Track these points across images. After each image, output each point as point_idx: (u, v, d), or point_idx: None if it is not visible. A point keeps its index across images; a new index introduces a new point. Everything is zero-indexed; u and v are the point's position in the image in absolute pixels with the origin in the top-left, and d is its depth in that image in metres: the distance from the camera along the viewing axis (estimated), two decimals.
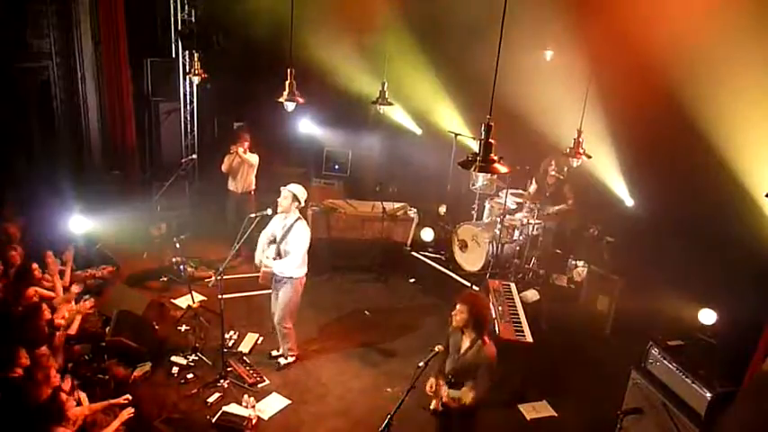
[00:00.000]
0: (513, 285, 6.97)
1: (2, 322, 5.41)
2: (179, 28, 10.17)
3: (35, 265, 6.46)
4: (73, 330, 5.85)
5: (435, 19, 9.55)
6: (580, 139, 6.61)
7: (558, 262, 8.97)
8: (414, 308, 7.94)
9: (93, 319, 6.33)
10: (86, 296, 6.63)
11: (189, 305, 7.05)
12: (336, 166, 11.35)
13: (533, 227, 8.70)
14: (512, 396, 6.03)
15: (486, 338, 4.41)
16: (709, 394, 4.54)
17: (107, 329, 6.16)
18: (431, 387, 4.56)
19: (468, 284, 8.36)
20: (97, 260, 7.82)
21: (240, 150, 8.38)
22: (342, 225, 8.93)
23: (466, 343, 4.44)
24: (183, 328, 6.91)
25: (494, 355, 4.36)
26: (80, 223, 7.65)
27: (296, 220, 5.91)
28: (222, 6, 9.83)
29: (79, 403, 4.94)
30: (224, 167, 8.53)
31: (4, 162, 8.30)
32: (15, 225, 7.10)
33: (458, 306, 4.44)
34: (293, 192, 5.89)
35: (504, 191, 8.71)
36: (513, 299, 6.66)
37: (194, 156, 9.88)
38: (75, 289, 6.63)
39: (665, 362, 4.96)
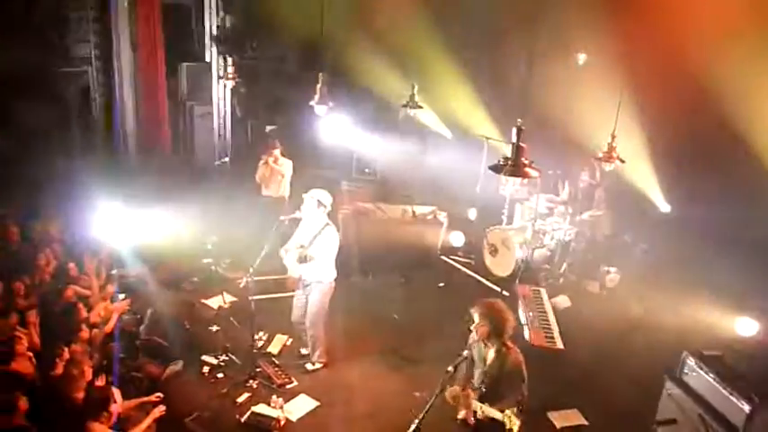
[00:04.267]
0: (543, 291, 6.89)
1: (44, 321, 5.55)
2: (214, 33, 10.34)
3: (72, 265, 6.61)
4: (109, 329, 5.97)
5: (466, 22, 9.51)
6: (614, 143, 6.50)
7: (591, 268, 8.83)
8: (443, 312, 7.88)
9: (127, 318, 6.45)
10: (121, 296, 6.76)
11: (220, 306, 7.14)
12: (366, 170, 11.37)
13: (565, 232, 8.58)
14: (541, 403, 5.94)
15: (509, 344, 4.35)
16: (747, 407, 4.40)
17: (141, 328, 6.27)
18: (454, 397, 4.49)
19: (498, 290, 8.27)
20: (132, 260, 7.95)
21: (271, 160, 8.51)
22: (371, 229, 8.92)
23: (491, 353, 4.38)
24: (214, 328, 6.99)
25: (521, 361, 4.30)
26: (116, 223, 7.80)
27: (324, 226, 5.92)
28: (256, 12, 9.96)
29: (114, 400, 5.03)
30: (258, 177, 8.68)
31: (45, 163, 8.52)
32: (55, 225, 7.28)
33: (476, 319, 4.37)
34: (317, 197, 5.90)
35: (536, 195, 8.61)
36: (543, 305, 6.58)
37: (227, 158, 10.02)
38: (111, 288, 6.77)
39: (701, 372, 4.83)
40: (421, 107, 8.85)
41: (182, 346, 6.34)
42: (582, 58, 9.70)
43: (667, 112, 7.63)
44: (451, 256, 9.50)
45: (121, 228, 7.86)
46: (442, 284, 8.70)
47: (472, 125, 10.23)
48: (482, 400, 4.39)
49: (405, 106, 8.80)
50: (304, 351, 6.52)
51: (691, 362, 4.95)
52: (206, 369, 6.23)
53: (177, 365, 6.10)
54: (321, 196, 5.91)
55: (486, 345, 4.41)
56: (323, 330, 6.25)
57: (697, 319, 6.72)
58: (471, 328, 4.39)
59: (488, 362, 4.39)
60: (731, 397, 4.53)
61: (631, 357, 6.93)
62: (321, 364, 6.39)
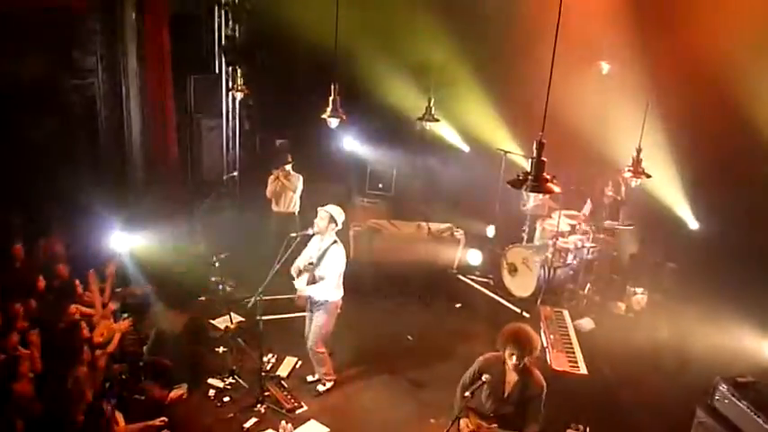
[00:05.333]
0: (566, 313, 6.84)
1: (45, 340, 5.59)
2: (223, 44, 10.47)
3: (77, 282, 6.66)
4: (111, 349, 5.99)
5: (483, 32, 9.56)
6: (639, 157, 6.47)
7: (616, 289, 8.75)
8: (459, 334, 7.85)
9: (131, 338, 6.47)
10: (125, 314, 6.79)
11: (227, 326, 7.15)
12: (380, 185, 11.40)
13: (588, 250, 8.53)
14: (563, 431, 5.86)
15: (532, 368, 4.32)
16: None
17: (144, 349, 6.29)
18: (467, 427, 4.45)
19: (518, 311, 8.22)
20: (137, 278, 8.00)
21: (282, 176, 8.60)
22: (385, 246, 8.93)
23: (512, 376, 4.34)
24: (221, 349, 7.00)
25: (543, 386, 4.27)
26: (121, 239, 7.86)
27: (331, 244, 5.96)
28: (266, 22, 10.08)
29: (116, 424, 5.04)
30: (268, 193, 8.80)
31: (50, 177, 8.62)
32: (60, 241, 7.35)
33: (507, 350, 4.32)
34: (330, 213, 5.95)
35: (557, 212, 8.57)
36: (566, 327, 6.53)
37: (236, 173, 10.09)
38: (114, 307, 6.80)
39: (734, 399, 4.75)
40: (437, 120, 8.88)
41: (187, 368, 6.35)
42: (606, 67, 9.70)
43: (696, 124, 7.59)
44: (468, 276, 9.47)
45: (126, 244, 7.92)
46: (458, 305, 8.67)
47: (490, 139, 10.24)
48: (501, 426, 4.35)
49: (421, 119, 8.83)
50: (310, 378, 6.52)
51: (723, 388, 4.87)
52: (212, 392, 6.23)
53: (182, 388, 6.11)
54: (334, 212, 5.95)
55: (505, 365, 4.38)
56: (324, 349, 6.26)
57: (730, 342, 6.61)
58: (506, 358, 4.32)
59: (509, 384, 4.35)
60: (766, 426, 4.45)
61: (659, 384, 6.83)
62: (331, 383, 6.38)
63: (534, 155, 3.65)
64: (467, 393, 4.21)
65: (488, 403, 4.45)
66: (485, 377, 4.40)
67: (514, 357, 4.27)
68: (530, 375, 4.29)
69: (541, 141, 3.63)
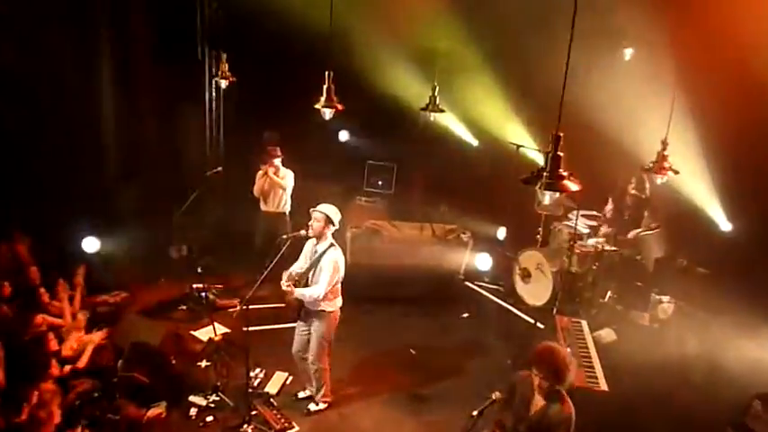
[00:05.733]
0: (584, 323, 6.84)
1: (10, 356, 5.58)
2: (205, 26, 10.47)
3: (43, 289, 6.66)
4: (82, 363, 5.99)
5: (494, 13, 9.56)
6: (665, 152, 6.47)
7: (639, 296, 8.76)
8: (467, 347, 7.86)
9: (104, 351, 6.47)
10: (97, 325, 6.79)
11: (210, 338, 7.14)
12: (380, 182, 11.42)
13: (609, 255, 8.53)
14: None
15: (564, 394, 4.32)
16: None
17: (119, 363, 6.29)
18: None
19: (532, 321, 8.23)
20: (110, 285, 8.01)
21: (271, 171, 8.61)
22: (385, 249, 8.94)
23: (539, 400, 4.36)
24: (204, 363, 7.00)
25: (571, 415, 4.28)
26: (92, 242, 7.87)
27: (328, 247, 5.95)
28: (253, 3, 10.08)
29: None
30: (255, 191, 8.80)
31: (12, 173, 8.62)
32: (24, 244, 7.35)
33: (534, 371, 4.33)
34: (326, 213, 5.93)
35: (575, 212, 8.58)
36: (584, 339, 6.53)
37: (220, 168, 10.08)
38: (84, 316, 6.80)
39: None
40: (443, 111, 8.88)
41: (166, 385, 6.34)
42: (629, 53, 9.71)
43: (729, 114, 7.59)
44: (477, 282, 9.48)
45: (99, 247, 7.94)
46: (465, 315, 8.67)
47: (502, 132, 10.25)
48: None
49: (424, 110, 8.84)
50: (302, 395, 6.52)
51: (758, 406, 4.89)
52: (194, 411, 6.23)
53: (160, 407, 6.10)
54: (330, 212, 5.94)
55: (536, 391, 4.39)
56: (327, 365, 6.25)
57: (765, 356, 6.63)
58: (534, 381, 4.32)
59: (534, 407, 4.37)
60: None
61: (687, 400, 6.84)
62: (325, 405, 6.38)
63: (550, 149, 3.65)
64: (474, 413, 4.21)
65: (512, 421, 4.48)
66: (494, 395, 4.41)
67: (539, 380, 4.29)
68: (557, 402, 4.29)
69: (558, 134, 3.63)
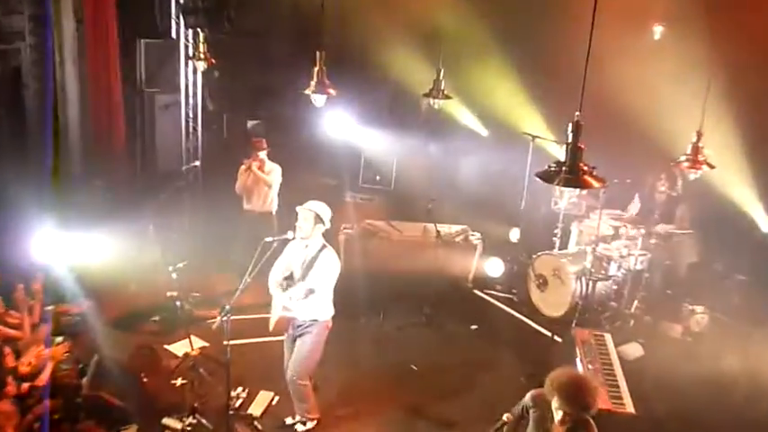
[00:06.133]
0: (608, 337, 6.83)
1: None
2: (181, 1, 10.45)
3: None
4: (42, 381, 5.97)
5: None
6: (700, 144, 6.47)
7: (670, 306, 8.76)
8: (475, 363, 7.85)
9: (66, 367, 6.44)
10: (59, 338, 6.77)
11: (186, 353, 7.12)
12: (378, 177, 11.42)
13: (636, 259, 8.54)
14: None
15: (589, 420, 4.31)
16: None
17: (83, 381, 6.27)
18: None
19: (548, 334, 8.23)
20: (74, 293, 7.98)
21: (255, 166, 8.60)
22: (383, 253, 8.93)
23: (558, 429, 4.34)
24: (179, 381, 6.97)
25: None
26: (54, 245, 7.84)
27: (320, 249, 5.94)
28: None
29: None
30: (238, 188, 8.80)
31: None
32: None
33: (554, 401, 4.29)
34: (315, 211, 5.91)
35: (598, 211, 8.58)
36: (608, 354, 6.52)
37: (197, 162, 10.09)
38: (45, 329, 6.78)
39: None
40: (449, 97, 8.87)
41: (136, 406, 6.33)
42: (659, 31, 9.71)
43: None
44: (487, 291, 9.47)
45: (61, 251, 7.90)
46: (474, 327, 8.66)
47: (515, 120, 10.25)
48: None
49: (428, 96, 8.83)
50: (289, 420, 6.50)
51: None
52: None
53: (131, 430, 6.10)
54: (320, 210, 5.93)
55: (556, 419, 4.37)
56: (308, 381, 6.23)
57: None
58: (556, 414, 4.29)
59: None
60: None
61: (723, 422, 6.84)
62: (313, 423, 6.36)
63: (569, 140, 3.64)
64: None
65: None
66: (506, 417, 4.41)
67: (561, 414, 4.25)
68: (585, 427, 4.28)
69: (578, 123, 3.62)
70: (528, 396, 4.64)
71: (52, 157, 9.82)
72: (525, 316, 8.92)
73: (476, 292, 9.40)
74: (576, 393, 4.24)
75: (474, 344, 8.35)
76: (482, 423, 5.63)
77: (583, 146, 3.63)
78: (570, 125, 3.64)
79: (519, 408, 4.66)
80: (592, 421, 4.33)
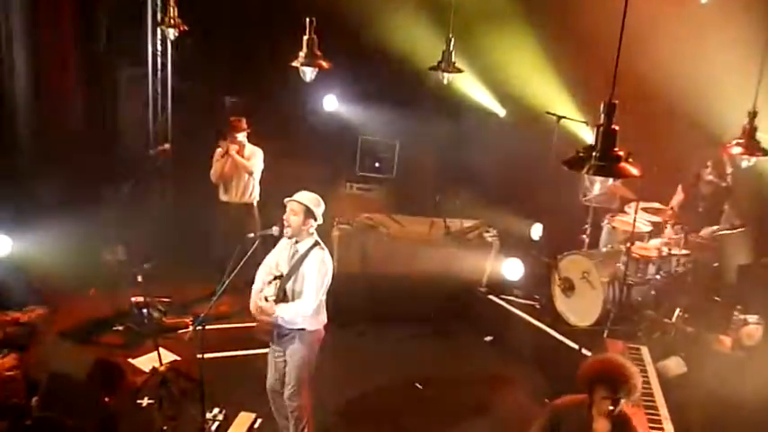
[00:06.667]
0: (645, 350, 6.84)
1: None
2: None
3: None
4: None
5: None
6: (754, 125, 6.45)
7: (718, 315, 8.76)
8: (489, 381, 7.87)
9: (13, 383, 6.46)
10: (5, 350, 6.78)
11: (154, 367, 7.14)
12: (377, 164, 11.40)
13: (678, 260, 8.53)
14: None
15: (630, 415, 4.35)
16: None
17: (33, 400, 6.28)
18: None
19: (575, 347, 8.24)
20: (23, 298, 7.99)
21: (233, 150, 8.58)
22: (384, 252, 8.93)
23: (603, 425, 4.37)
24: (146, 401, 7.00)
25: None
26: (1, 242, 7.85)
27: (311, 248, 5.92)
28: None
29: None
30: (214, 176, 8.79)
31: None
32: None
33: (596, 392, 4.33)
34: (305, 204, 5.89)
35: (634, 205, 8.57)
36: (645, 370, 6.53)
37: (167, 146, 10.08)
38: None
39: None
40: (460, 71, 8.86)
41: (96, 429, 6.34)
42: None
43: None
44: (504, 296, 9.47)
45: (10, 248, 7.90)
46: (489, 338, 8.67)
47: (538, 98, 10.24)
48: None
49: (435, 69, 8.82)
50: None
51: None
52: None
53: None
54: (311, 202, 5.91)
55: (597, 416, 4.40)
56: (308, 400, 6.23)
57: None
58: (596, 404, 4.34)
59: None
60: None
61: None
62: None
63: (601, 121, 3.63)
64: None
65: None
66: None
67: (608, 402, 4.29)
68: (627, 424, 4.32)
69: (612, 102, 3.61)
70: (548, 412, 4.65)
71: (2, 146, 9.82)
72: (548, 326, 8.90)
73: (491, 297, 9.39)
74: (617, 369, 4.35)
75: (488, 358, 8.38)
76: None
77: (617, 128, 3.62)
78: (602, 104, 3.63)
79: (543, 422, 4.66)
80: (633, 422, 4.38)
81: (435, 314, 8.74)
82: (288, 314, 5.87)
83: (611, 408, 4.29)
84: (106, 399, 6.77)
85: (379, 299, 8.73)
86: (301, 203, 5.87)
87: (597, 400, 4.34)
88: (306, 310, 5.85)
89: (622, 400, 4.31)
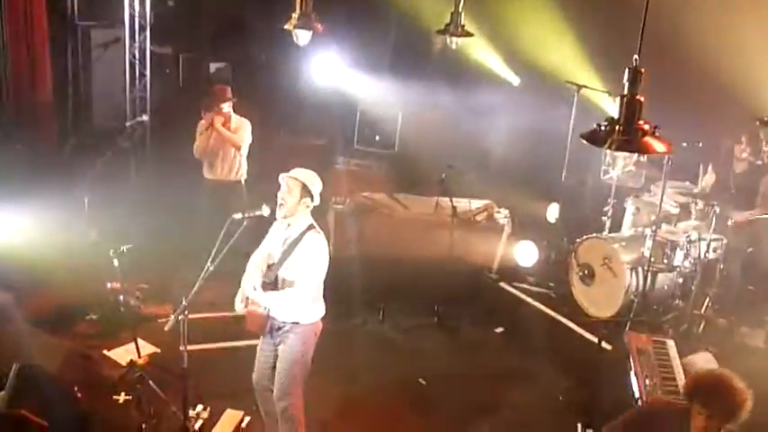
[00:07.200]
0: (671, 344, 6.87)
1: None
2: None
3: None
4: None
5: None
6: None
7: (751, 307, 8.79)
8: (500, 376, 7.89)
9: None
10: None
11: (132, 360, 7.16)
12: (377, 138, 11.41)
13: (708, 246, 8.54)
14: None
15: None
16: None
17: (0, 396, 6.32)
18: None
19: (595, 339, 8.26)
20: None
21: (218, 122, 8.57)
22: (384, 235, 8.95)
23: None
24: (122, 397, 7.03)
25: None
26: None
27: (305, 231, 5.90)
28: None
29: None
30: (197, 151, 8.78)
31: None
32: None
33: (695, 406, 4.36)
34: (301, 180, 5.87)
35: (660, 184, 8.58)
36: (670, 365, 6.57)
37: (145, 117, 10.08)
38: None
39: None
40: (470, 34, 8.85)
41: (68, 427, 6.38)
42: None
43: None
44: (516, 284, 9.50)
45: None
46: (499, 330, 8.70)
47: (555, 66, 10.23)
48: None
49: (443, 33, 8.80)
50: None
51: None
52: None
53: None
54: (308, 180, 5.90)
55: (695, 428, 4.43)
56: (301, 399, 6.24)
57: None
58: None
59: None
60: None
61: None
62: None
63: (625, 91, 3.65)
64: None
65: None
66: None
67: (703, 419, 4.33)
68: None
69: (637, 69, 3.63)
70: (645, 406, 4.69)
71: None
72: (565, 316, 8.95)
73: (502, 285, 9.42)
74: (713, 385, 4.42)
75: (499, 351, 8.41)
76: None
77: (642, 99, 3.63)
78: (627, 72, 3.64)
79: (625, 419, 4.68)
80: None
81: (441, 303, 8.75)
82: (278, 304, 5.87)
83: (704, 426, 4.32)
84: (79, 394, 6.81)
85: (380, 286, 8.75)
86: (298, 180, 5.84)
87: (694, 413, 4.37)
88: (298, 301, 5.83)
89: (724, 424, 4.34)
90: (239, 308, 6.04)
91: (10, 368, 6.41)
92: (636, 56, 3.66)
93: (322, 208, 6.53)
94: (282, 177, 5.86)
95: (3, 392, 6.31)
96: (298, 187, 5.79)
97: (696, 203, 8.81)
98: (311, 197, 5.86)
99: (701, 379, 4.48)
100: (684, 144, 8.38)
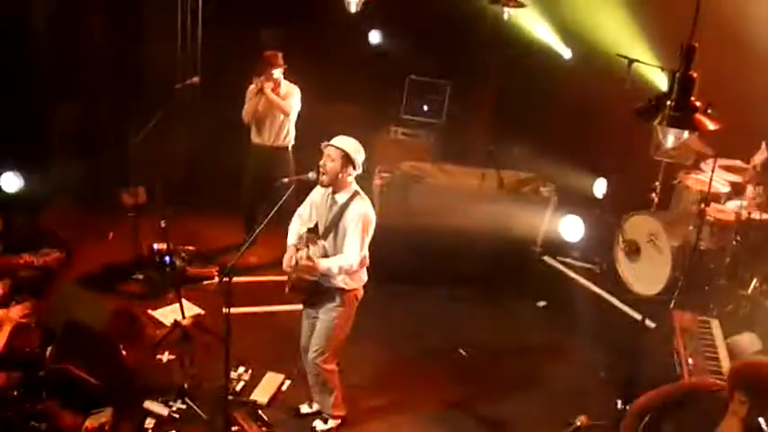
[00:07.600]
0: (715, 324, 6.81)
1: None
2: None
3: None
4: None
5: None
6: None
7: None
8: (541, 350, 7.89)
9: (27, 332, 6.57)
10: (17, 296, 6.90)
11: (176, 321, 7.23)
12: (425, 107, 11.35)
13: (758, 225, 8.44)
14: None
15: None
16: None
17: (48, 350, 6.41)
18: None
19: (638, 317, 8.23)
20: (37, 240, 8.12)
21: (268, 87, 8.57)
22: (430, 204, 8.92)
23: (734, 427, 4.38)
24: (166, 356, 7.12)
25: None
26: (12, 179, 7.97)
27: (351, 198, 5.88)
28: None
29: None
30: (246, 115, 8.79)
31: None
32: None
33: (737, 395, 4.32)
34: (344, 149, 5.84)
35: (711, 162, 8.48)
36: (714, 346, 6.52)
37: (196, 79, 10.10)
38: (1, 284, 6.94)
39: None
40: (522, 5, 8.77)
41: (112, 384, 6.45)
42: None
43: None
44: (561, 258, 9.46)
45: (22, 186, 8.04)
46: (542, 304, 8.69)
47: (608, 38, 10.10)
48: None
49: (496, 3, 8.73)
50: (305, 409, 6.59)
51: None
52: (150, 422, 6.33)
53: (104, 415, 6.21)
54: (350, 148, 5.88)
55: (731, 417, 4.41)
56: (334, 366, 6.27)
57: None
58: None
59: None
60: None
61: None
62: (337, 422, 6.44)
63: (679, 67, 3.61)
64: None
65: None
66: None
67: (745, 408, 4.29)
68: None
69: (691, 45, 3.58)
70: (683, 385, 4.65)
71: (11, 74, 9.86)
72: (609, 293, 8.91)
73: (546, 259, 9.39)
74: (758, 375, 4.29)
75: (541, 325, 8.41)
76: (546, 426, 5.67)
77: (695, 75, 3.59)
78: (681, 47, 3.60)
79: (666, 393, 4.67)
80: None
81: (484, 275, 8.74)
82: (330, 269, 5.88)
83: (744, 416, 4.28)
84: (124, 352, 6.89)
85: (423, 256, 8.72)
86: (339, 149, 5.80)
87: (736, 401, 4.33)
88: (348, 266, 5.82)
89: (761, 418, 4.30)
90: (288, 270, 6.03)
91: (59, 325, 6.53)
92: (691, 31, 3.62)
93: (368, 175, 6.52)
94: (325, 146, 5.84)
95: (50, 348, 6.43)
96: (339, 156, 5.74)
97: (747, 182, 8.71)
98: (354, 166, 5.82)
99: (746, 368, 4.37)
100: (736, 122, 8.25)
